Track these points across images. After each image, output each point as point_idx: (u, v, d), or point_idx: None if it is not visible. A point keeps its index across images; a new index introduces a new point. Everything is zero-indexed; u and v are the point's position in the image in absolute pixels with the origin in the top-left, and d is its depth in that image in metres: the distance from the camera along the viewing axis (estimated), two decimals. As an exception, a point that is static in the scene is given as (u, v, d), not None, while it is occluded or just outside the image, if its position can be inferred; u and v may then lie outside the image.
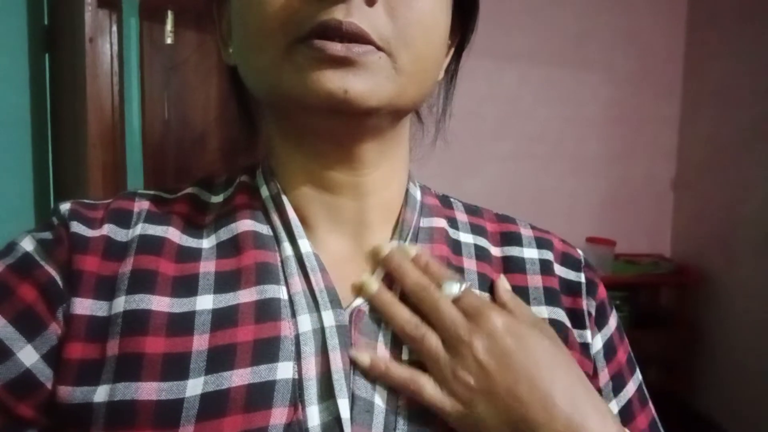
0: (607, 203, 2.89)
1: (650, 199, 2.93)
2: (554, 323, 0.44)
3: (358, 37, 0.35)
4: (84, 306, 0.37)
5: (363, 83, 0.36)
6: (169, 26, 1.86)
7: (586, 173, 2.87)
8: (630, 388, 0.47)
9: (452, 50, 0.48)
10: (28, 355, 0.36)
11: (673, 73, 2.86)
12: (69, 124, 1.44)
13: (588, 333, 0.45)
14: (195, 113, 2.04)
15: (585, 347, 0.45)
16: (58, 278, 0.37)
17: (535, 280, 0.45)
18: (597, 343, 0.46)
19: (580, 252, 0.50)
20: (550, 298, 0.45)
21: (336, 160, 0.42)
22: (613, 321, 0.48)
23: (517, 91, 2.76)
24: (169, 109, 1.97)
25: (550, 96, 2.79)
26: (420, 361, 0.39)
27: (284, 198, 0.43)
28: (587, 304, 0.46)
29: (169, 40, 1.89)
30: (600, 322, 0.47)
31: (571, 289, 0.46)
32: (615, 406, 0.46)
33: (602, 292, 0.48)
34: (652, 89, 2.85)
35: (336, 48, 0.35)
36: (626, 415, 0.46)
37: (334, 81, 0.35)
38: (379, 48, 0.36)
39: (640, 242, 2.90)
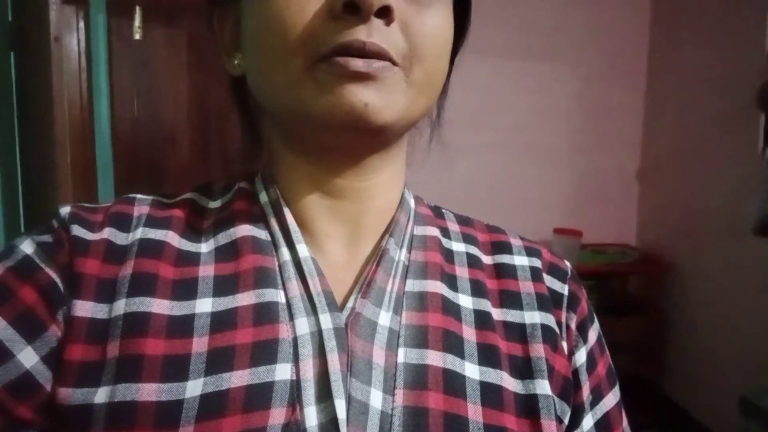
0: (574, 194, 2.94)
1: (616, 190, 2.99)
2: (546, 329, 0.44)
3: (379, 56, 0.37)
4: (85, 308, 0.37)
5: (381, 98, 0.37)
6: (137, 22, 1.83)
7: (553, 165, 2.91)
8: (609, 401, 0.48)
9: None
10: (28, 357, 0.36)
11: (638, 67, 2.93)
12: (37, 124, 1.41)
13: (564, 344, 0.46)
14: (166, 110, 2.01)
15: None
16: (58, 281, 0.38)
17: (527, 286, 0.46)
18: (581, 356, 0.47)
19: (567, 264, 0.50)
20: (542, 304, 0.46)
21: (344, 169, 0.43)
22: (593, 335, 0.48)
23: (491, 84, 2.78)
24: (138, 106, 1.94)
25: (520, 89, 2.82)
26: (415, 364, 0.39)
27: (283, 204, 0.44)
28: (566, 317, 0.47)
29: (137, 36, 1.86)
30: (582, 337, 0.47)
31: (554, 299, 0.47)
32: (590, 419, 0.46)
33: (584, 305, 0.49)
34: (618, 82, 2.91)
35: (358, 64, 0.36)
36: (603, 427, 0.47)
37: (356, 94, 0.37)
38: (395, 64, 0.38)
39: (607, 232, 2.96)
